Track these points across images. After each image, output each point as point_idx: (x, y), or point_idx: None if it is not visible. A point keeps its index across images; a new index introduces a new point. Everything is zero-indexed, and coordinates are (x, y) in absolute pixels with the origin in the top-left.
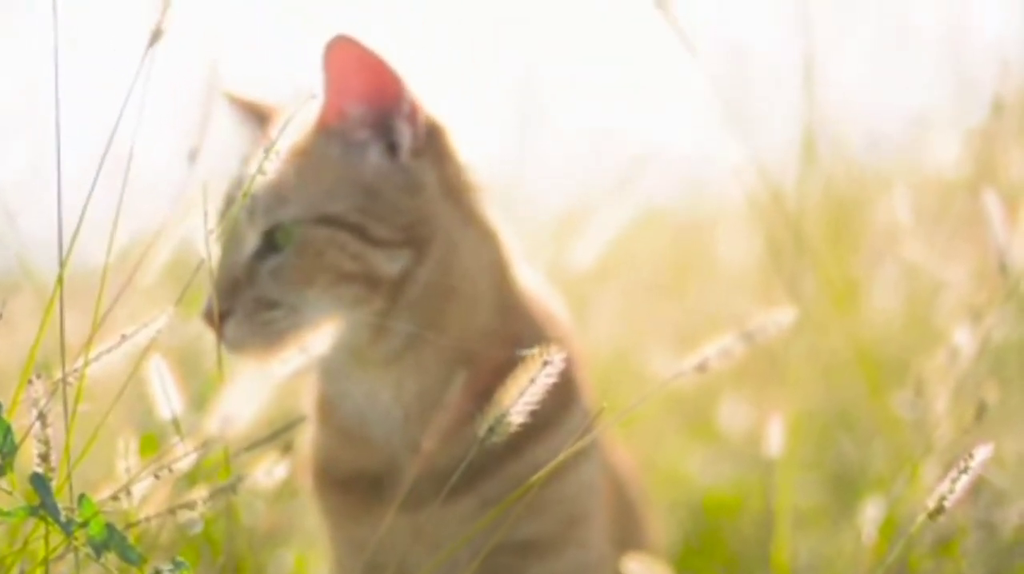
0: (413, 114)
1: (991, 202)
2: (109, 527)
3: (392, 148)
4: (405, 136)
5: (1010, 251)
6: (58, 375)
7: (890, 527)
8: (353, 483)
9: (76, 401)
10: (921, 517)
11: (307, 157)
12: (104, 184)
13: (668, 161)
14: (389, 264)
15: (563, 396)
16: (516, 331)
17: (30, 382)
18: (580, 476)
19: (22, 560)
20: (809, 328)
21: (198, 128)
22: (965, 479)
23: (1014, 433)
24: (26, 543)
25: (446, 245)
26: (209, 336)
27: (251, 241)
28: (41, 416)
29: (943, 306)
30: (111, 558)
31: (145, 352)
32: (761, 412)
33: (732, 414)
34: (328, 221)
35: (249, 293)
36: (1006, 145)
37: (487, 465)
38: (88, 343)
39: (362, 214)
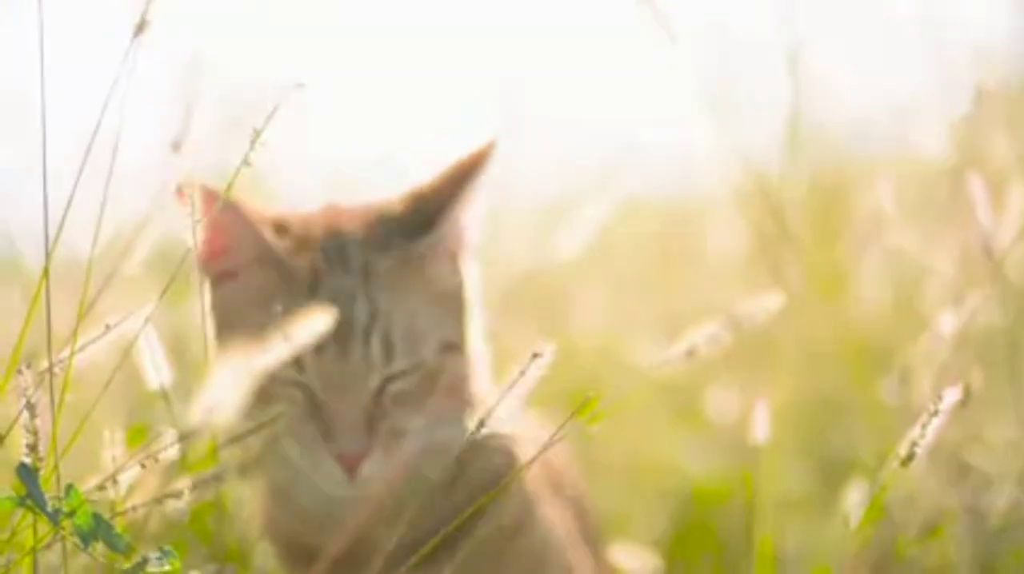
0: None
1: (976, 188)
2: (96, 517)
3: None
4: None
5: (995, 236)
6: (45, 365)
7: (875, 512)
8: (315, 558)
9: (63, 391)
10: (894, 464)
11: (425, 290)
12: (90, 175)
13: (653, 151)
14: (467, 369)
15: (499, 481)
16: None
17: (18, 372)
18: (538, 536)
19: (9, 550)
20: (795, 316)
21: (183, 118)
22: (936, 423)
23: (1000, 418)
24: (14, 533)
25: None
26: (196, 325)
27: (377, 379)
28: (30, 406)
29: (929, 292)
30: (99, 548)
31: (132, 341)
32: (749, 400)
33: (720, 402)
34: (450, 347)
35: (384, 426)
36: (990, 133)
37: (459, 530)
38: (75, 333)
39: (461, 336)
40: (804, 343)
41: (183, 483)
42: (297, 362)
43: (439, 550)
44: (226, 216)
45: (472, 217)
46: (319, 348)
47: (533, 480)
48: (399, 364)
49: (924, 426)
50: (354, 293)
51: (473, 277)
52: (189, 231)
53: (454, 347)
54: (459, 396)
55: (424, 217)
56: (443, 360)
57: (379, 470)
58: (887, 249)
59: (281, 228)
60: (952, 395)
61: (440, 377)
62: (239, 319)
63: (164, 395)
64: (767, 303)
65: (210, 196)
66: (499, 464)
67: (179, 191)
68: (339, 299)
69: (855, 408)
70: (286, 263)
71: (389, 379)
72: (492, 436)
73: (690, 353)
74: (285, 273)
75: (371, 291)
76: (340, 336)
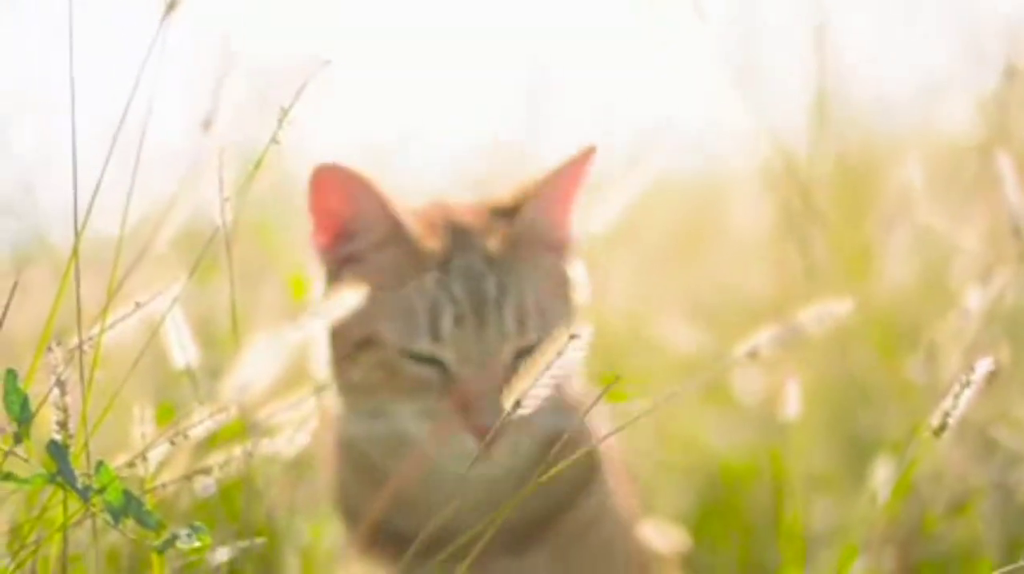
0: None
1: (1004, 165)
2: (126, 493)
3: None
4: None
5: (1022, 213)
6: (74, 343)
7: (903, 489)
8: (400, 540)
9: (92, 369)
10: (925, 435)
11: (542, 274)
12: (119, 155)
13: (680, 129)
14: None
15: (592, 469)
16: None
17: (48, 350)
18: (614, 523)
19: (39, 527)
20: (822, 294)
21: (212, 96)
22: (968, 394)
23: None
24: (44, 510)
25: None
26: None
27: (511, 352)
28: (60, 383)
29: (956, 270)
30: (129, 524)
31: (160, 321)
32: (776, 378)
33: (747, 380)
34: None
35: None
36: (1018, 110)
37: (551, 519)
38: (104, 311)
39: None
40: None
41: (213, 460)
42: (433, 335)
43: (526, 538)
44: (360, 196)
45: (570, 214)
46: (457, 319)
47: (608, 473)
48: (531, 335)
49: (956, 397)
50: (482, 270)
51: (581, 278)
52: (218, 209)
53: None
54: (572, 384)
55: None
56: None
57: (511, 447)
58: (914, 226)
59: (407, 212)
60: (984, 366)
61: (570, 402)
62: (370, 302)
63: (190, 374)
64: (835, 309)
65: (342, 176)
66: (585, 458)
67: (314, 174)
68: (470, 275)
69: (882, 386)
70: (418, 243)
71: (521, 352)
72: (580, 430)
73: (752, 354)
74: (417, 252)
75: (496, 270)
76: (475, 308)
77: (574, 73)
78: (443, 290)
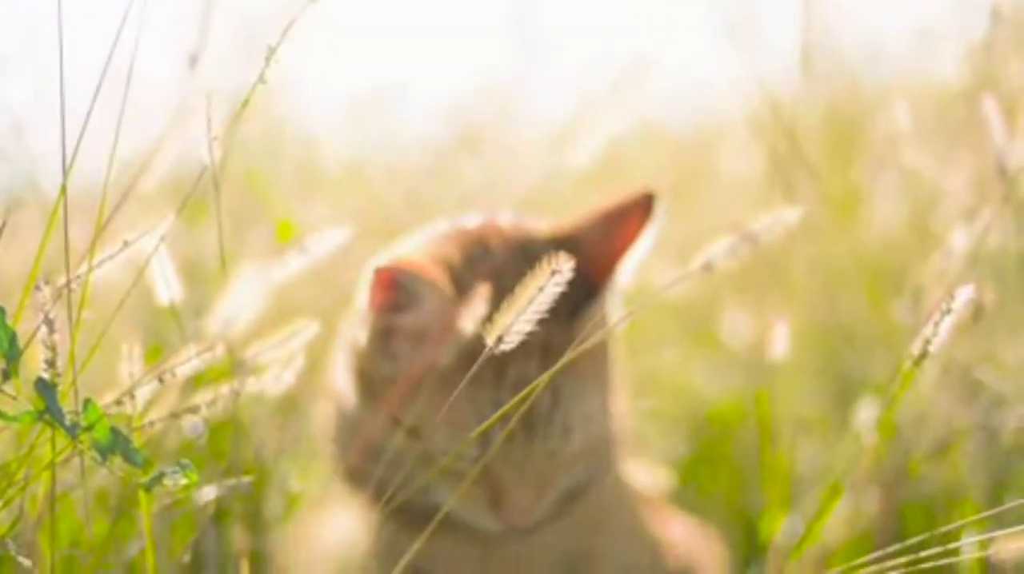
0: None
1: (990, 108)
2: (114, 431)
3: None
4: None
5: (1008, 155)
6: (62, 282)
7: (887, 429)
8: (418, 513)
9: (80, 308)
10: (907, 364)
11: (593, 356)
12: (108, 97)
13: (668, 75)
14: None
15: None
16: None
17: (36, 288)
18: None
19: (27, 465)
20: (810, 238)
21: (198, 36)
22: (948, 321)
23: (1013, 337)
24: (32, 448)
25: None
26: (212, 244)
27: (555, 463)
28: (48, 322)
29: (943, 213)
30: (116, 462)
31: (148, 258)
32: (763, 322)
33: (734, 324)
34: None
35: (549, 492)
36: (1005, 55)
37: (567, 502)
38: (91, 249)
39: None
40: (818, 265)
41: (200, 398)
42: (482, 446)
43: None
44: (429, 297)
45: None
46: (507, 436)
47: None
48: (575, 445)
49: (936, 325)
50: (536, 380)
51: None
52: (206, 149)
53: (610, 413)
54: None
55: (588, 281)
56: (605, 426)
57: (536, 520)
58: (902, 171)
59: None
60: (964, 296)
61: (600, 444)
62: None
63: (174, 312)
64: (783, 218)
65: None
66: (604, 450)
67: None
68: (522, 386)
69: (869, 329)
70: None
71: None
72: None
73: (707, 268)
74: (471, 355)
75: (553, 383)
76: (525, 424)
77: (565, 18)
78: (494, 407)
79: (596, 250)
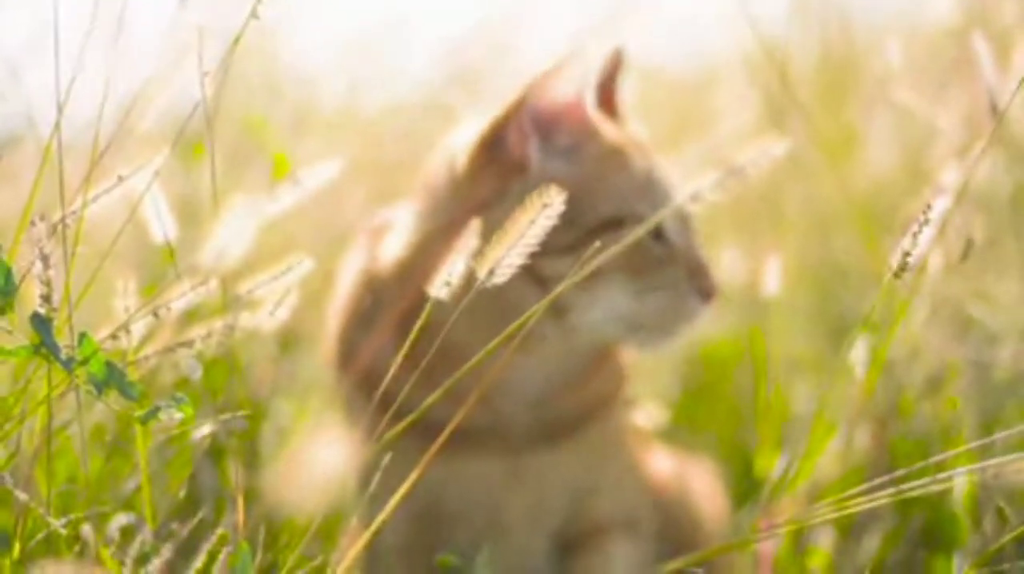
0: None
1: (980, 47)
2: (109, 365)
3: None
4: None
5: (1000, 92)
6: (57, 217)
7: (878, 366)
8: (435, 430)
9: (75, 243)
10: (887, 277)
11: None
12: (101, 35)
13: (662, 14)
14: None
15: (622, 379)
16: None
17: (31, 224)
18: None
19: (24, 400)
20: (803, 178)
21: None
22: (927, 233)
23: (1005, 274)
24: (28, 383)
25: None
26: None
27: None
28: (43, 257)
29: (935, 151)
30: (112, 396)
31: (143, 195)
32: (757, 262)
33: (729, 264)
34: None
35: None
36: None
37: (590, 416)
38: (85, 183)
39: None
40: (811, 204)
41: (194, 333)
42: (658, 230)
43: (562, 432)
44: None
45: None
46: (680, 221)
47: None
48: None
49: (915, 235)
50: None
51: None
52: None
53: None
54: None
55: None
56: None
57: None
58: (895, 108)
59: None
60: (941, 204)
61: None
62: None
63: (168, 248)
64: (770, 151)
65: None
66: (618, 375)
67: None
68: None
69: (862, 267)
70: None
71: None
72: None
73: (695, 198)
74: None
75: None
76: (684, 218)
77: None
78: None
79: None
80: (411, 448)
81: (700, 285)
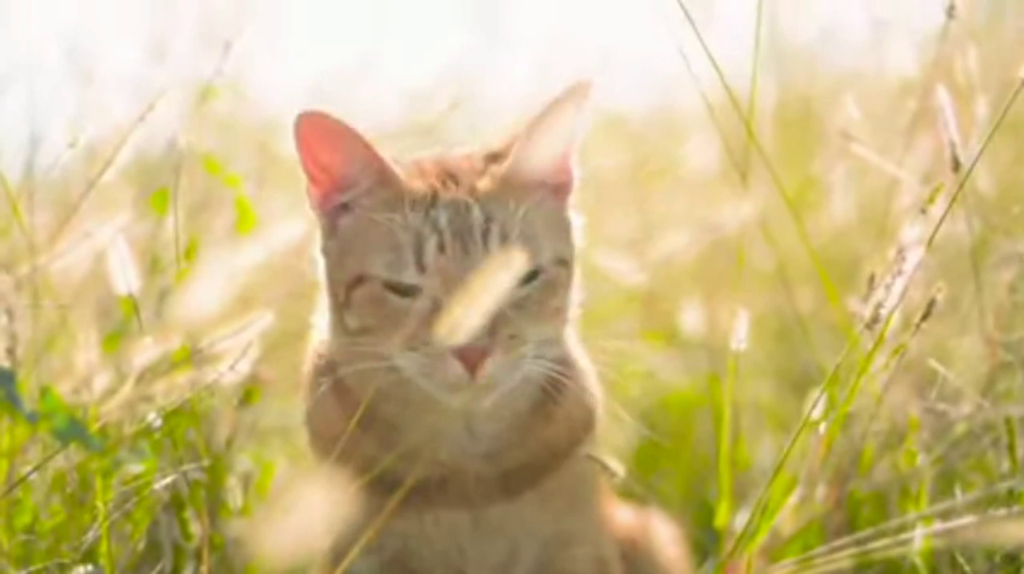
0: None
1: (943, 99)
2: (72, 418)
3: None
4: (571, 189)
5: (962, 146)
6: (23, 271)
7: (840, 421)
8: (393, 485)
9: (40, 296)
10: (860, 327)
11: (532, 207)
12: (73, 83)
13: (628, 65)
14: (568, 301)
15: (589, 423)
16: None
17: None
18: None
19: None
20: (765, 230)
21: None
22: (900, 284)
23: (965, 329)
24: None
25: None
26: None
27: (504, 281)
28: (8, 310)
29: (897, 204)
30: (74, 448)
31: (107, 248)
32: (720, 313)
33: (693, 317)
34: (563, 262)
35: (505, 331)
36: (959, 47)
37: (548, 466)
38: (53, 239)
39: (571, 257)
40: (773, 256)
41: (157, 387)
42: (418, 265)
43: (524, 482)
44: (346, 145)
45: (567, 154)
46: (440, 247)
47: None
48: (516, 263)
49: (888, 287)
50: (468, 203)
51: (577, 224)
52: (170, 137)
53: (566, 264)
54: (563, 314)
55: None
56: (558, 274)
57: (498, 375)
58: (857, 161)
59: (393, 160)
60: (915, 257)
61: (555, 293)
62: (361, 243)
63: (132, 301)
64: (739, 211)
65: (325, 125)
66: (586, 411)
67: (298, 123)
68: (455, 209)
69: (824, 320)
70: (406, 184)
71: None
72: (582, 380)
73: (667, 259)
74: (405, 193)
75: (483, 202)
76: (458, 237)
77: (526, 5)
78: (428, 223)
79: (536, 134)
80: (372, 503)
81: (455, 346)
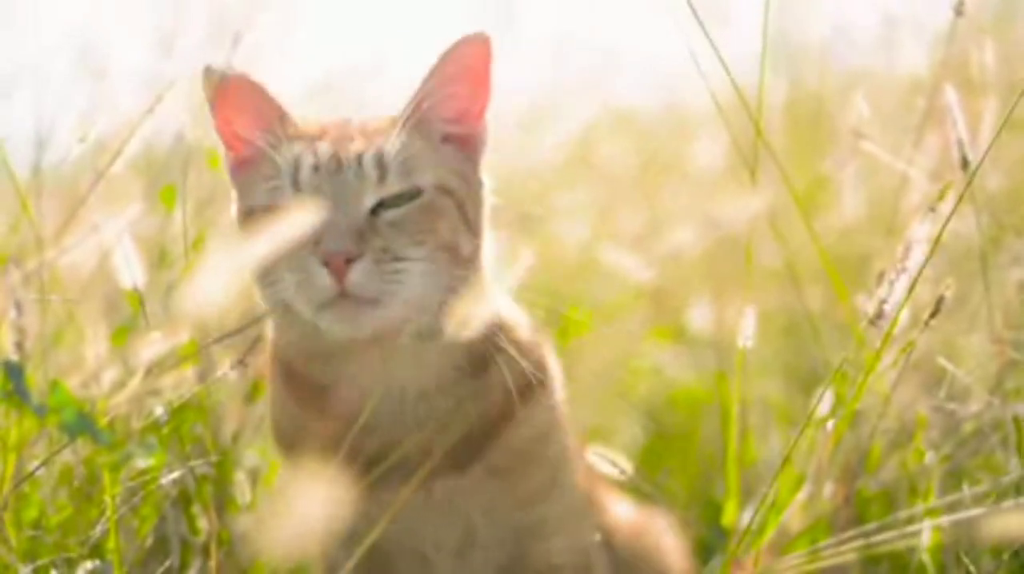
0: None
1: (951, 98)
2: (80, 412)
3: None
4: (482, 147)
5: (970, 144)
6: (32, 265)
7: (848, 418)
8: (349, 466)
9: (49, 290)
10: (862, 324)
11: (420, 139)
12: (83, 78)
13: (637, 63)
14: (466, 245)
15: (528, 386)
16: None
17: (6, 271)
18: (560, 442)
19: None
20: (774, 227)
21: (171, 23)
22: (904, 280)
23: (973, 327)
24: None
25: (483, 247)
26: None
27: (371, 196)
28: (18, 304)
29: (906, 202)
30: (82, 442)
31: (115, 244)
32: (729, 311)
33: (701, 313)
34: (448, 192)
35: (377, 242)
36: (969, 46)
37: (489, 434)
38: (60, 233)
39: (464, 195)
40: (783, 254)
41: (165, 382)
42: (294, 186)
43: (467, 454)
44: (257, 101)
45: (470, 106)
46: (315, 168)
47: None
48: (392, 186)
49: (892, 283)
50: (352, 135)
51: (488, 185)
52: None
53: (450, 194)
54: (456, 254)
55: None
56: (440, 200)
57: (367, 286)
58: (866, 159)
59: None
60: (917, 254)
61: (438, 218)
62: (251, 182)
63: (137, 295)
64: (748, 208)
65: (240, 85)
66: (528, 366)
67: (205, 76)
68: (340, 141)
69: (832, 317)
70: (301, 128)
71: (383, 203)
72: (519, 336)
73: (676, 256)
74: (300, 134)
75: (367, 136)
76: (336, 160)
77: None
78: (309, 152)
79: (429, 85)
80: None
81: (317, 252)
